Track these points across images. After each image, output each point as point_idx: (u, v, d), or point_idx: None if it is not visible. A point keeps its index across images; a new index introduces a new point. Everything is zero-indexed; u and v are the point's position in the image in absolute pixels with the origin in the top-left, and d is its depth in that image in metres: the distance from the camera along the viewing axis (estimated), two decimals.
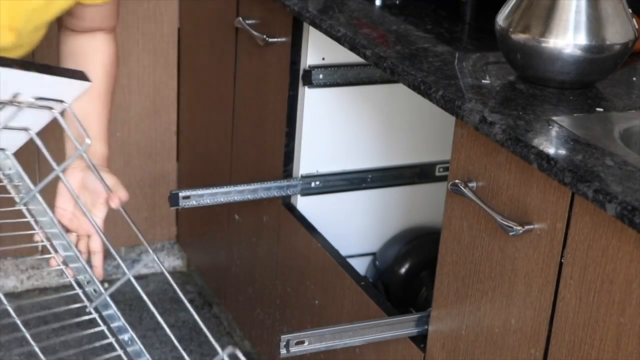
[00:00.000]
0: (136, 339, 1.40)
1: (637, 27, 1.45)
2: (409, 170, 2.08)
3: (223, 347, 1.25)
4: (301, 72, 1.93)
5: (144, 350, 1.40)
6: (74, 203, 1.48)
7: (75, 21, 1.57)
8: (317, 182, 2.00)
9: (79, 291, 1.46)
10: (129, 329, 1.41)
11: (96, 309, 1.44)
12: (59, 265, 1.47)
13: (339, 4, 1.84)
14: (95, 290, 1.45)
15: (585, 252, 1.19)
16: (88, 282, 1.46)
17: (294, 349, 1.52)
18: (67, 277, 1.46)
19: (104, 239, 1.44)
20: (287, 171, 2.01)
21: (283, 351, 1.52)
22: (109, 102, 1.60)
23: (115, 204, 1.45)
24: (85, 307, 1.45)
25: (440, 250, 1.50)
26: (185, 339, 2.49)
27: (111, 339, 1.42)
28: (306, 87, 1.93)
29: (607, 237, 1.15)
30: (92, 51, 1.59)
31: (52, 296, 1.57)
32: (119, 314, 1.43)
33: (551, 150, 1.21)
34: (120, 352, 1.41)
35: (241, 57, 2.17)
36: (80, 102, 1.54)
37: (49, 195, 1.49)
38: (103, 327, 1.42)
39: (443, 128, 2.03)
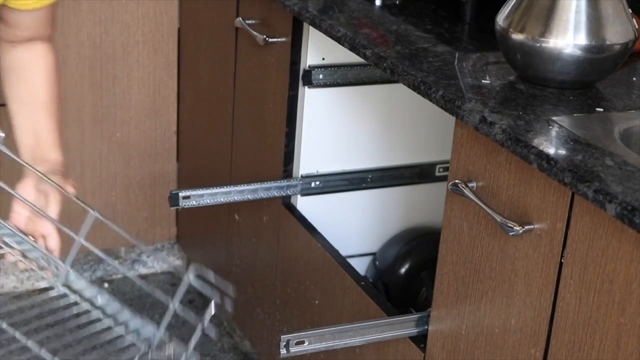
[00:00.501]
0: (111, 298, 1.42)
1: (637, 27, 1.45)
2: (409, 170, 2.08)
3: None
4: (301, 72, 1.93)
5: (122, 305, 1.42)
6: (29, 207, 1.51)
7: (11, 30, 1.57)
8: (317, 182, 2.00)
9: (44, 274, 1.48)
10: (103, 291, 1.43)
11: (65, 285, 1.46)
12: (15, 258, 1.50)
13: (339, 4, 1.84)
14: (57, 268, 1.47)
15: (585, 252, 1.19)
16: (49, 263, 1.48)
17: (294, 349, 1.53)
18: (26, 265, 1.49)
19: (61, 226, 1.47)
20: (287, 171, 2.01)
21: (283, 351, 1.52)
22: (57, 111, 1.63)
23: (70, 187, 1.51)
24: (56, 286, 1.47)
25: (440, 250, 1.50)
26: (185, 339, 2.49)
27: (87, 306, 1.43)
28: (306, 87, 1.93)
29: (607, 237, 1.15)
30: (32, 63, 1.60)
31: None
32: (86, 282, 1.44)
33: (551, 150, 1.21)
34: (96, 311, 1.42)
35: (241, 57, 2.17)
36: (28, 115, 1.58)
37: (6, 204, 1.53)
38: (74, 297, 1.43)
39: (443, 128, 2.03)
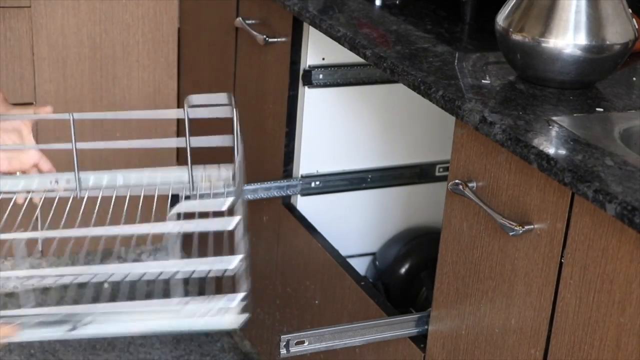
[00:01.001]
0: (130, 171, 1.45)
1: (637, 27, 1.45)
2: (409, 170, 2.08)
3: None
4: (301, 72, 1.93)
5: (143, 170, 1.44)
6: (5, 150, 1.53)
7: None
8: (317, 182, 2.00)
9: (60, 193, 1.49)
10: (118, 172, 1.44)
11: (84, 189, 1.48)
12: (24, 196, 1.50)
13: (339, 4, 1.84)
14: (67, 181, 1.48)
15: (585, 252, 1.19)
16: (57, 182, 1.49)
17: (294, 349, 1.52)
18: (40, 196, 1.50)
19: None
20: (287, 171, 2.01)
21: (283, 351, 1.52)
22: None
23: (47, 109, 1.52)
24: (75, 197, 1.47)
25: (440, 250, 1.50)
26: (185, 338, 2.50)
27: (115, 193, 1.46)
28: (306, 87, 1.93)
29: (607, 237, 1.15)
30: None
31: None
32: (99, 174, 1.45)
33: (551, 150, 1.21)
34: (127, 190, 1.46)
35: (241, 57, 2.17)
36: None
37: None
38: (99, 194, 1.45)
39: (443, 128, 2.03)
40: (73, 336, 1.18)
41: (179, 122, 2.60)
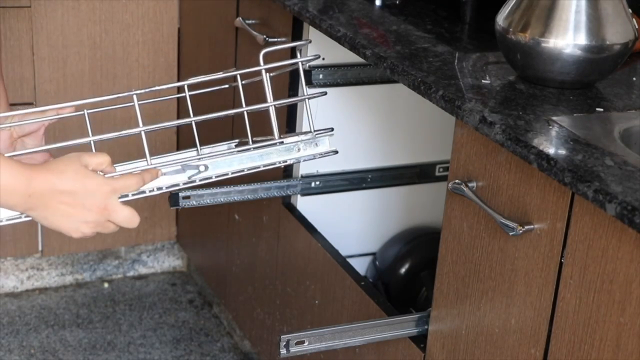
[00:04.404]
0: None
1: (637, 27, 1.45)
2: (409, 170, 2.08)
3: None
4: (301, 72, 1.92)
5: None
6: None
7: None
8: (317, 182, 2.00)
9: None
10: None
11: None
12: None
13: (339, 4, 1.84)
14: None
15: (585, 252, 1.19)
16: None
17: (294, 349, 1.53)
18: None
19: None
20: (287, 171, 2.01)
21: (283, 351, 1.52)
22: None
23: (69, 109, 1.57)
24: None
25: (440, 250, 1.50)
26: (185, 338, 2.50)
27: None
28: (306, 87, 1.93)
29: (607, 237, 1.15)
30: None
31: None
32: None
33: (551, 150, 1.21)
34: None
35: (241, 57, 2.17)
36: None
37: None
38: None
39: (443, 128, 2.03)
40: (199, 178, 1.43)
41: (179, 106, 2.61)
